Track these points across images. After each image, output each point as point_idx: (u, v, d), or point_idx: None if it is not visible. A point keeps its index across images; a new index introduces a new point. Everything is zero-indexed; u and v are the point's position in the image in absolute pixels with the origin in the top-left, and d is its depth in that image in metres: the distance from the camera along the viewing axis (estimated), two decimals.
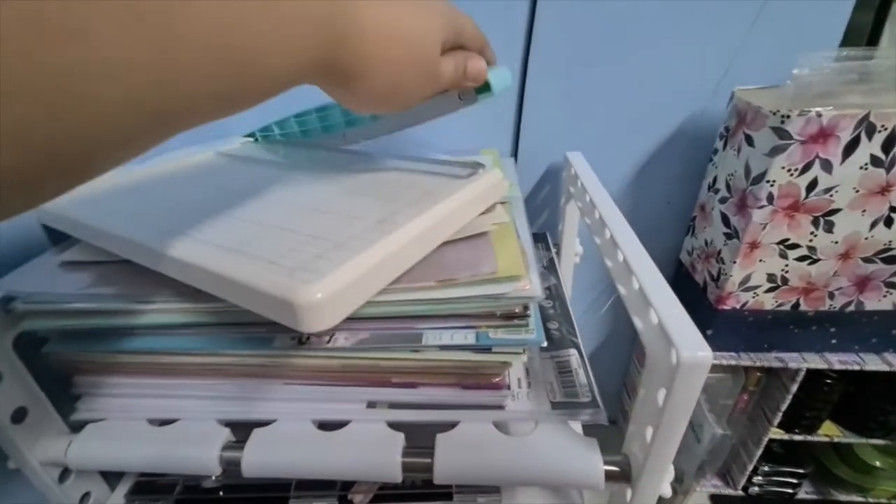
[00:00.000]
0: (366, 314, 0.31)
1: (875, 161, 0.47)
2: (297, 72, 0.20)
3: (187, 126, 0.17)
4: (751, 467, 0.80)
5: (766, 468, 0.83)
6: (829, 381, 0.70)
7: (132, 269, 0.33)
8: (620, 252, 0.36)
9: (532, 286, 0.30)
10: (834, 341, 0.63)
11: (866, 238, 0.52)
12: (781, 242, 0.53)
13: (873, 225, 0.51)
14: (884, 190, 0.49)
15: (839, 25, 0.55)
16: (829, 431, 0.77)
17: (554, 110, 0.60)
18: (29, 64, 0.11)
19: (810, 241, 0.53)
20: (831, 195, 0.49)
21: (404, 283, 0.30)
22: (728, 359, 0.65)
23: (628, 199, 0.68)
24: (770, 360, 0.65)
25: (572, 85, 0.59)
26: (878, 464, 0.82)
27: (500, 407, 0.35)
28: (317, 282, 0.23)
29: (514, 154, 0.64)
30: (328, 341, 0.32)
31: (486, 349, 0.32)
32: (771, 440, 0.76)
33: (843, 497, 0.84)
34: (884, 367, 0.63)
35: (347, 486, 0.42)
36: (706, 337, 0.64)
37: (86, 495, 0.39)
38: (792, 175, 0.48)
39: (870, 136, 0.46)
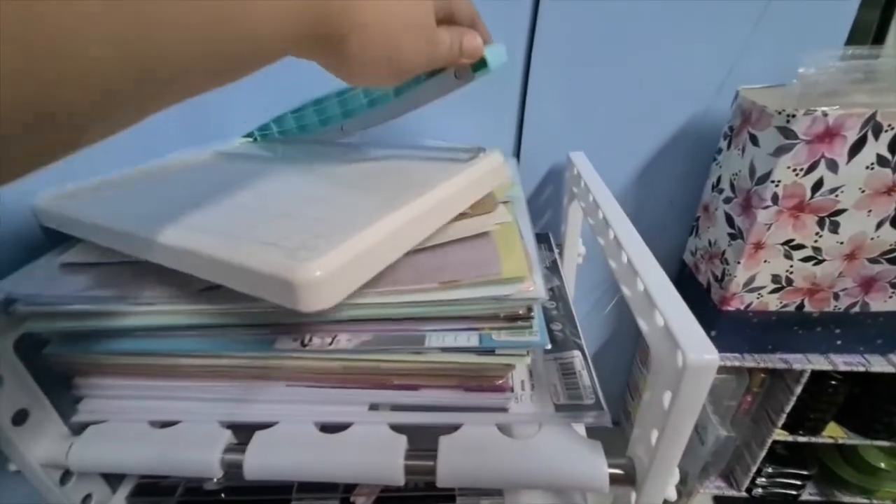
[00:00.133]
0: (368, 315, 0.31)
1: (881, 161, 0.47)
2: (289, 35, 0.20)
3: (176, 96, 0.17)
4: (754, 469, 0.80)
5: (769, 470, 0.83)
6: (833, 382, 0.70)
7: (133, 271, 0.33)
8: (625, 253, 0.36)
9: (536, 287, 0.30)
10: (839, 342, 0.63)
11: (872, 238, 0.52)
12: (786, 243, 0.53)
13: (879, 225, 0.51)
14: (890, 190, 0.48)
15: (845, 24, 0.55)
16: (833, 433, 0.76)
17: (556, 110, 0.60)
18: (7, 10, 0.11)
19: (815, 241, 0.53)
20: (837, 195, 0.49)
21: (407, 285, 0.30)
22: (732, 360, 0.65)
23: (631, 199, 0.68)
24: (774, 361, 0.64)
25: (575, 84, 0.58)
26: (882, 465, 0.81)
27: (504, 409, 0.34)
28: (316, 259, 0.22)
29: (517, 154, 0.63)
30: (330, 343, 0.32)
31: (490, 351, 0.32)
32: (775, 442, 0.75)
33: (847, 499, 0.84)
34: (889, 369, 0.63)
35: (350, 488, 0.42)
36: (710, 338, 0.64)
37: (87, 497, 0.39)
38: (797, 175, 0.48)
39: (876, 136, 0.45)
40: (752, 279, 0.56)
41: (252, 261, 0.24)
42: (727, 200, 0.57)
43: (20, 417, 0.33)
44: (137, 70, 0.14)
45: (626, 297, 0.35)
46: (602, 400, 0.35)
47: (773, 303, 0.59)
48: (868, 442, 0.75)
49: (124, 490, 0.41)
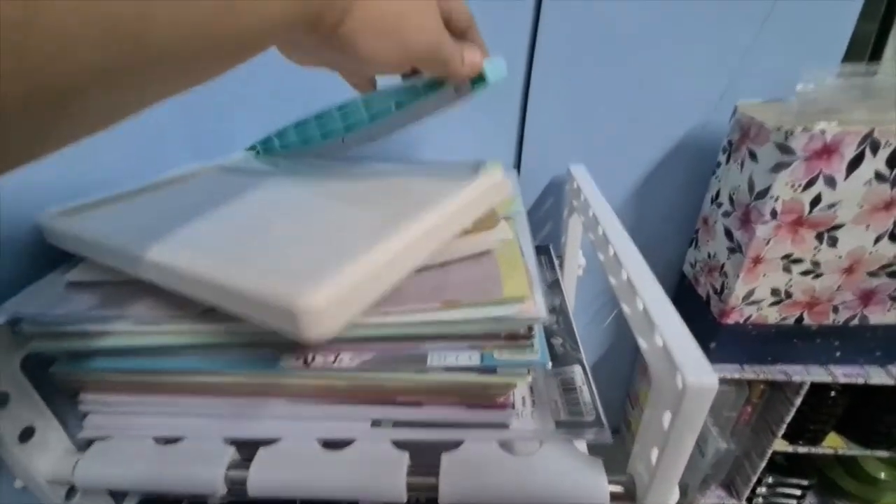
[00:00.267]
0: (371, 335, 0.31)
1: (879, 177, 0.47)
2: (294, 9, 0.19)
3: (175, 85, 0.17)
4: (755, 479, 0.80)
5: (770, 480, 0.83)
6: (833, 393, 0.70)
7: (137, 289, 0.33)
8: (624, 271, 0.36)
9: (537, 307, 0.30)
10: (838, 354, 0.63)
11: (871, 253, 0.52)
12: (785, 257, 0.53)
13: (878, 240, 0.51)
14: (888, 205, 0.49)
15: (844, 35, 0.55)
16: (833, 443, 0.76)
17: (557, 122, 0.61)
18: None
19: (814, 255, 0.53)
20: (835, 210, 0.49)
21: (409, 305, 0.30)
22: (732, 372, 0.65)
23: (631, 210, 0.68)
24: (774, 373, 0.65)
25: (575, 97, 0.59)
26: (882, 476, 0.82)
27: (505, 426, 0.35)
28: (318, 287, 0.22)
29: (518, 166, 0.64)
30: (333, 361, 0.32)
31: (491, 370, 0.32)
32: (775, 452, 0.75)
33: None
34: (888, 381, 0.63)
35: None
36: (709, 350, 0.64)
37: None
38: (795, 190, 0.48)
39: (874, 152, 0.46)
40: (751, 292, 0.57)
41: (254, 287, 0.24)
42: (726, 214, 0.57)
43: (26, 434, 0.33)
44: (130, 44, 0.14)
45: (626, 315, 0.36)
46: (602, 416, 0.35)
47: (772, 316, 0.59)
48: (868, 452, 0.75)
49: None
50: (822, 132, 0.44)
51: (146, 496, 0.42)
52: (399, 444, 0.34)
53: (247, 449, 0.34)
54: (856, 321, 0.59)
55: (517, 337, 0.32)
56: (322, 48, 0.24)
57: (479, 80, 0.31)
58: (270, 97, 0.56)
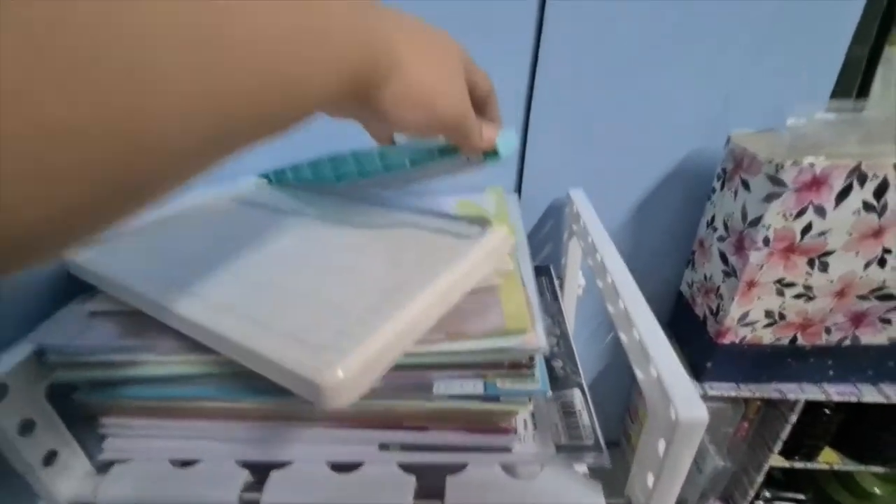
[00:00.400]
0: None
1: (867, 207, 0.49)
2: (339, 84, 0.20)
3: (222, 154, 0.17)
4: (752, 493, 0.81)
5: (767, 494, 0.84)
6: (827, 410, 0.71)
7: (158, 320, 0.34)
8: (621, 301, 0.38)
9: (537, 339, 0.32)
10: (831, 373, 0.65)
11: (861, 277, 0.54)
12: (778, 281, 0.55)
13: (867, 265, 0.53)
14: (876, 233, 0.50)
15: (834, 66, 0.57)
16: (829, 458, 0.77)
17: (557, 148, 0.62)
18: (80, 67, 0.11)
19: (806, 280, 0.55)
20: (825, 238, 0.51)
21: None
22: (728, 390, 0.66)
23: (630, 231, 0.70)
24: (769, 391, 0.66)
25: (575, 124, 0.61)
26: (877, 491, 0.83)
27: (508, 450, 0.36)
28: (340, 362, 0.24)
29: (518, 190, 0.66)
30: None
31: (494, 398, 0.34)
32: (772, 467, 0.77)
33: None
34: (881, 399, 0.64)
35: None
36: (706, 369, 0.65)
37: None
38: (787, 219, 0.50)
39: (861, 184, 0.47)
40: (745, 314, 0.58)
41: (278, 356, 0.26)
42: (721, 239, 0.59)
43: (50, 458, 0.35)
44: (207, 133, 0.15)
45: (623, 343, 0.37)
46: (601, 440, 0.37)
47: (766, 336, 0.61)
48: (863, 468, 0.76)
49: None
50: (812, 165, 0.46)
51: None
52: (406, 467, 0.35)
53: (260, 472, 0.35)
54: (848, 342, 0.61)
55: (519, 366, 0.33)
56: (354, 108, 0.26)
57: (492, 153, 0.33)
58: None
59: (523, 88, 0.59)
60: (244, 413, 0.36)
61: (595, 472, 0.36)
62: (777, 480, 0.85)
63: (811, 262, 0.53)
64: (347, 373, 0.24)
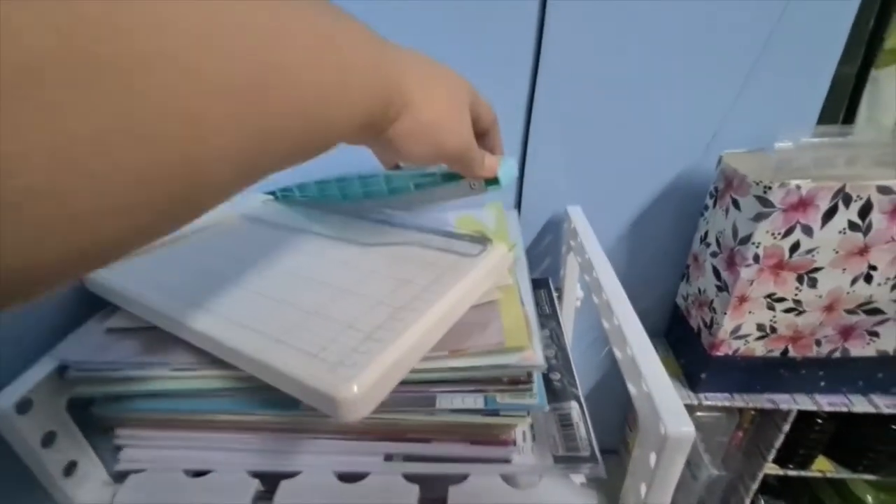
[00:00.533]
0: None
1: (853, 226, 0.51)
2: (359, 122, 0.22)
3: (251, 183, 0.19)
4: (748, 501, 0.82)
5: (762, 501, 0.85)
6: (820, 420, 0.73)
7: (174, 336, 0.36)
8: (616, 318, 0.40)
9: (535, 356, 0.34)
10: (822, 384, 0.66)
11: (848, 293, 0.56)
12: (769, 296, 0.57)
13: (854, 281, 0.55)
14: (862, 251, 0.52)
15: (822, 85, 0.59)
16: (822, 467, 0.79)
17: (555, 165, 0.64)
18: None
19: (795, 295, 0.56)
20: (813, 255, 0.53)
21: None
22: (722, 400, 0.68)
23: (627, 245, 0.71)
24: (762, 401, 0.68)
25: (573, 143, 0.63)
26: (869, 499, 0.84)
27: (507, 461, 0.38)
28: (356, 377, 0.26)
29: (518, 206, 0.67)
30: None
31: (494, 412, 0.35)
32: (767, 474, 0.78)
33: None
34: (870, 409, 0.66)
35: None
36: (701, 380, 0.67)
37: None
38: (775, 238, 0.52)
39: (847, 205, 0.49)
40: (738, 328, 0.60)
41: (296, 371, 0.27)
42: (714, 254, 0.61)
43: (70, 469, 0.36)
44: (245, 168, 0.17)
45: (617, 359, 0.39)
46: (597, 451, 0.38)
47: (759, 349, 0.63)
48: (855, 476, 0.78)
49: None
50: (798, 187, 0.48)
51: None
52: (409, 478, 0.37)
53: (270, 481, 0.37)
54: (837, 354, 0.63)
55: (518, 382, 0.35)
56: (366, 139, 0.28)
57: (493, 181, 0.35)
58: None
59: (522, 110, 0.61)
60: (255, 425, 0.37)
61: (592, 482, 0.38)
62: (772, 487, 0.87)
63: (800, 279, 0.55)
64: (362, 388, 0.26)
